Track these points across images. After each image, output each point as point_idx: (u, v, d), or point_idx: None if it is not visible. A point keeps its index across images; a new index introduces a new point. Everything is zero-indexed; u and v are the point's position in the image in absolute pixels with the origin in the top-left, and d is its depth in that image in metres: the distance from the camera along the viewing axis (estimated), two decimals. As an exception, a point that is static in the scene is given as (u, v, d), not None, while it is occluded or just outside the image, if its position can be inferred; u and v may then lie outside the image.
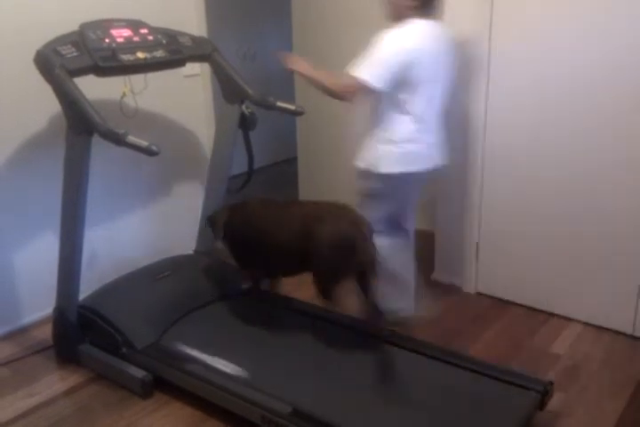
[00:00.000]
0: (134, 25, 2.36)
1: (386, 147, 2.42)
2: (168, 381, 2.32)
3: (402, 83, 2.30)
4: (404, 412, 2.02)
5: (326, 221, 2.26)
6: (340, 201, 2.38)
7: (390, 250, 2.54)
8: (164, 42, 2.41)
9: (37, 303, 2.88)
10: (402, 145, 2.40)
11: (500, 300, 3.07)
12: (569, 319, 2.86)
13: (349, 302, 2.35)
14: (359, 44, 3.68)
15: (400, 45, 2.28)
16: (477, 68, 2.81)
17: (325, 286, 2.29)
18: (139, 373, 2.34)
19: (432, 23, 2.38)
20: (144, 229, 3.32)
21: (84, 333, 2.52)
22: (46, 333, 2.71)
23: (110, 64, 2.21)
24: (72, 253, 2.38)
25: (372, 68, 2.26)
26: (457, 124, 2.97)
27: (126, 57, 2.25)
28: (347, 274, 2.29)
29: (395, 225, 2.65)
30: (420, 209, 3.94)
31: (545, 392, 2.09)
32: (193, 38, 2.55)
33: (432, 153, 2.50)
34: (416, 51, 2.29)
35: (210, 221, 2.65)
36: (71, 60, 2.12)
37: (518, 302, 3.02)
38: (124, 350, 2.41)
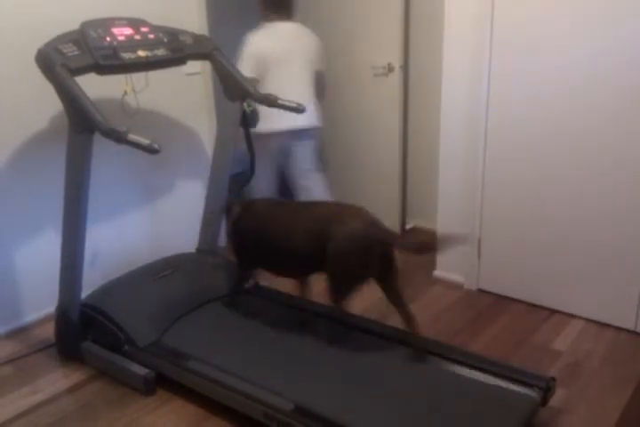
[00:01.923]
0: (135, 23, 2.36)
1: (262, 111, 2.98)
2: (170, 378, 2.32)
3: (260, 69, 3.10)
4: (406, 408, 2.02)
5: (344, 222, 2.21)
6: (342, 202, 2.36)
7: None
8: (165, 40, 2.41)
9: (40, 302, 2.90)
10: (268, 109, 2.88)
11: (502, 296, 3.07)
12: (571, 316, 2.86)
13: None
14: (359, 41, 3.70)
15: (254, 46, 3.09)
16: (478, 65, 2.81)
17: (339, 291, 2.23)
18: (141, 370, 2.34)
19: (287, 24, 3.18)
20: (146, 228, 3.33)
21: (86, 331, 2.53)
22: (49, 331, 2.72)
23: (111, 62, 2.21)
24: (74, 251, 2.39)
25: (243, 66, 3.02)
26: (457, 121, 2.97)
27: (127, 55, 2.25)
28: (364, 277, 2.23)
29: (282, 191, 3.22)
30: (422, 207, 3.97)
31: (547, 389, 2.09)
32: (194, 36, 2.56)
33: (292, 115, 2.91)
34: (266, 47, 3.10)
35: (228, 209, 2.64)
36: (72, 58, 2.12)
37: (520, 298, 3.02)
38: (127, 347, 2.41)
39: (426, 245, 2.24)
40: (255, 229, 2.48)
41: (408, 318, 2.34)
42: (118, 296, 2.58)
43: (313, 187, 3.42)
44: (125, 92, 2.56)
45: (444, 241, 2.27)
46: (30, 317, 2.90)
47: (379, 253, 2.20)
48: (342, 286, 2.24)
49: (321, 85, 3.40)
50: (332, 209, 2.32)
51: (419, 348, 2.32)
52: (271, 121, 3.10)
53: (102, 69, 2.22)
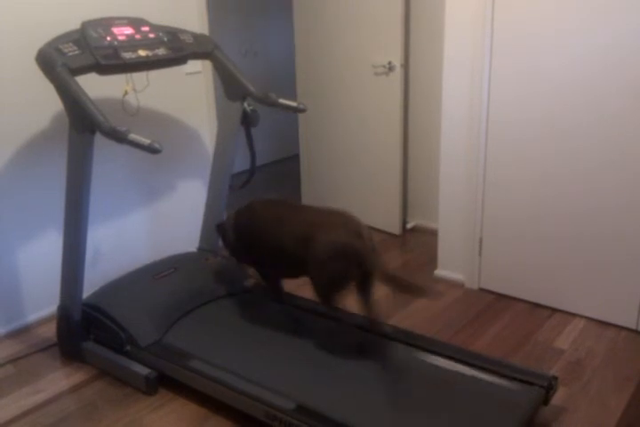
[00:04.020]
0: (136, 23, 2.36)
1: None
2: (172, 378, 2.33)
3: None
4: (408, 407, 2.02)
5: (326, 229, 2.21)
6: (341, 202, 2.35)
7: None
8: (166, 39, 2.41)
9: (41, 301, 2.90)
10: None
11: (504, 295, 3.07)
12: (572, 315, 2.86)
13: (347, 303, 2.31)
14: (360, 39, 3.70)
15: None
16: (479, 63, 2.81)
17: (324, 295, 2.25)
18: (143, 370, 2.35)
19: None
20: (147, 227, 3.33)
21: (88, 330, 2.53)
22: (50, 331, 2.73)
23: (112, 62, 2.21)
24: (76, 251, 2.39)
25: None
26: (458, 120, 2.97)
27: (128, 55, 2.25)
28: (347, 283, 2.22)
29: None
30: (423, 206, 3.97)
31: (549, 387, 2.09)
32: (194, 36, 2.56)
33: None
34: None
35: (219, 228, 2.65)
36: (73, 58, 2.12)
37: (522, 297, 3.02)
38: (128, 347, 2.42)
39: (393, 280, 2.17)
40: (250, 229, 2.50)
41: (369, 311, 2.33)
42: (120, 296, 2.58)
43: None
44: (126, 92, 2.56)
45: (409, 287, 2.19)
46: (32, 316, 2.91)
47: (357, 264, 2.17)
48: (323, 289, 2.25)
49: None
50: (319, 215, 2.31)
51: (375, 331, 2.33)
52: None
53: (103, 69, 2.22)
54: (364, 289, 2.29)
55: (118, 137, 2.05)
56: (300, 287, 2.85)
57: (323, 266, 2.19)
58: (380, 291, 2.35)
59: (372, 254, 2.18)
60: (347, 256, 2.17)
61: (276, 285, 2.72)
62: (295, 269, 2.38)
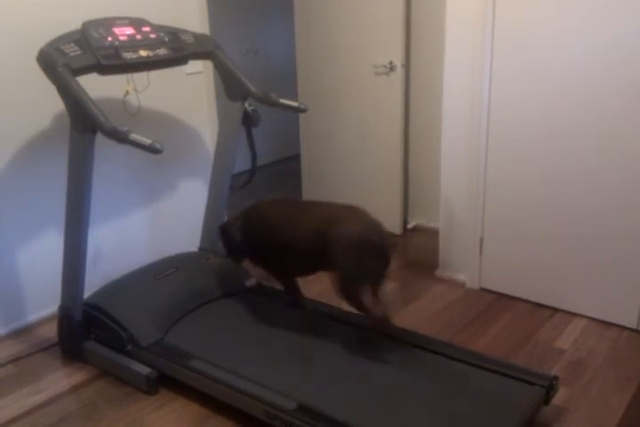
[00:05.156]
0: (137, 23, 2.36)
1: None
2: (173, 377, 2.33)
3: None
4: (408, 407, 2.02)
5: (347, 222, 2.23)
6: (343, 200, 2.36)
7: None
8: (167, 40, 2.41)
9: (42, 301, 2.90)
10: None
11: (504, 295, 3.07)
12: (573, 314, 2.86)
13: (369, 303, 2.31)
14: (361, 39, 3.70)
15: None
16: (480, 63, 2.81)
17: (350, 289, 2.25)
18: (144, 369, 2.35)
19: None
20: (148, 227, 3.33)
21: (89, 330, 2.53)
22: (51, 330, 2.72)
23: (113, 62, 2.21)
24: (77, 251, 2.39)
25: None
26: (459, 119, 2.97)
27: (129, 55, 2.25)
28: (368, 276, 2.26)
29: None
30: (424, 205, 3.97)
31: (550, 387, 2.09)
32: (195, 36, 2.55)
33: None
34: None
35: (222, 230, 2.65)
36: (74, 58, 2.11)
37: (522, 297, 3.02)
38: (129, 347, 2.42)
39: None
40: (259, 230, 2.50)
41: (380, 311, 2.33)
42: (121, 296, 2.58)
43: None
44: (127, 92, 2.56)
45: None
46: (33, 316, 2.91)
47: (376, 255, 2.22)
48: (348, 283, 2.25)
49: None
50: (332, 210, 2.34)
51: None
52: None
53: (104, 69, 2.22)
54: (376, 285, 2.31)
55: (119, 137, 2.05)
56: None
57: (347, 259, 2.20)
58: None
59: (388, 246, 2.24)
60: (373, 248, 2.20)
61: (291, 286, 2.69)
62: (311, 265, 2.39)
